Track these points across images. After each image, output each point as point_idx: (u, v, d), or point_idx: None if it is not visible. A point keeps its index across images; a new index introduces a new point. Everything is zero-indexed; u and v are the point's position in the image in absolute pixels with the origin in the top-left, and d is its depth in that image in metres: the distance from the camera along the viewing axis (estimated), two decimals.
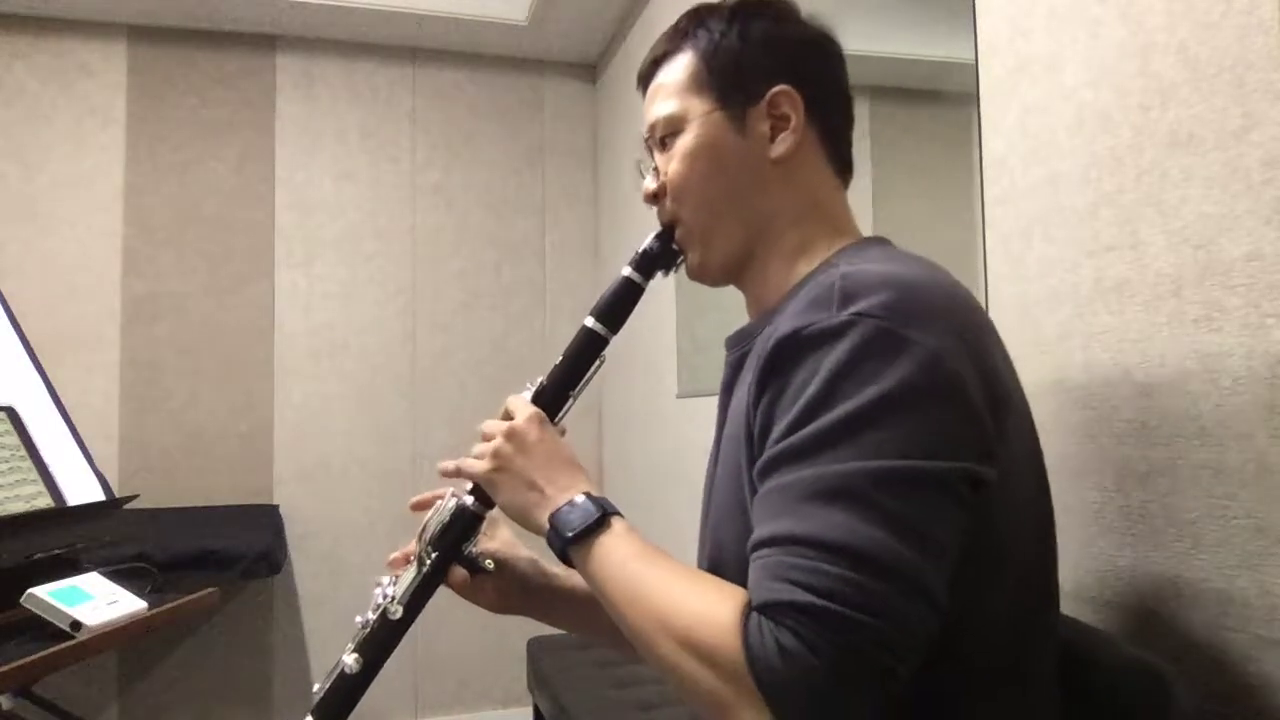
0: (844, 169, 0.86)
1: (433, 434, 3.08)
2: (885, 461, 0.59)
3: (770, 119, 0.81)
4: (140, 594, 1.46)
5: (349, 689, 0.84)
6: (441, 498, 0.89)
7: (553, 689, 1.98)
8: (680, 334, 2.46)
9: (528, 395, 0.87)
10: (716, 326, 2.35)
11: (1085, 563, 0.99)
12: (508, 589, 0.93)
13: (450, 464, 0.86)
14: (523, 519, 0.80)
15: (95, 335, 2.82)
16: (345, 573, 2.92)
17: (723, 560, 0.75)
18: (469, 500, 0.86)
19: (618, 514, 0.75)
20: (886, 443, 0.60)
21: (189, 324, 2.91)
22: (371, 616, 0.86)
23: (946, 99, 1.39)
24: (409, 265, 3.14)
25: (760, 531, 0.63)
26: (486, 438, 0.84)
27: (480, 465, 0.82)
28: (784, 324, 0.67)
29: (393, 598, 0.85)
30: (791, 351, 0.66)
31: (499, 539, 0.94)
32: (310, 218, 3.05)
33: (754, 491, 0.67)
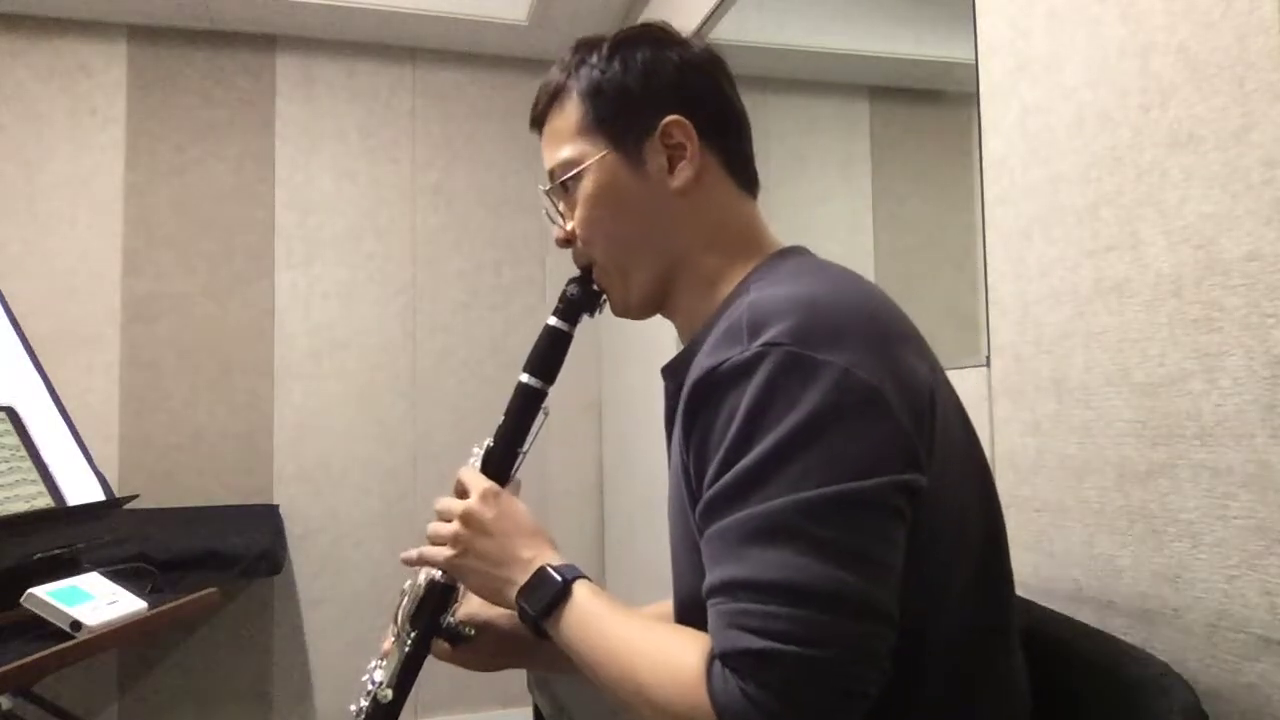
0: (750, 183, 0.86)
1: (433, 434, 3.08)
2: (812, 491, 0.60)
3: (666, 150, 0.81)
4: (140, 594, 1.46)
5: None
6: (386, 653, 0.90)
7: (553, 689, 1.98)
8: (680, 334, 2.46)
9: (476, 462, 0.87)
10: None
11: (1085, 563, 0.99)
12: (494, 649, 0.94)
13: (413, 553, 0.87)
14: (494, 600, 0.82)
15: (95, 335, 2.82)
16: (345, 573, 2.92)
17: (684, 597, 0.77)
18: (438, 574, 0.87)
19: (580, 577, 0.76)
20: (811, 471, 0.60)
21: (189, 324, 2.91)
22: (364, 704, 0.89)
23: (946, 99, 1.39)
24: (409, 265, 3.14)
25: (710, 578, 0.64)
26: (442, 517, 0.84)
27: (442, 554, 0.83)
28: (700, 361, 0.68)
29: (381, 683, 0.88)
30: (709, 390, 0.66)
31: (476, 602, 0.94)
32: (310, 218, 3.05)
33: (701, 532, 0.68)
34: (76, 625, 1.30)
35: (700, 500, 0.67)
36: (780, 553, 0.59)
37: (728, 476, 0.63)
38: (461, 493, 0.85)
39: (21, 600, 1.30)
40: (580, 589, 0.75)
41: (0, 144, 2.77)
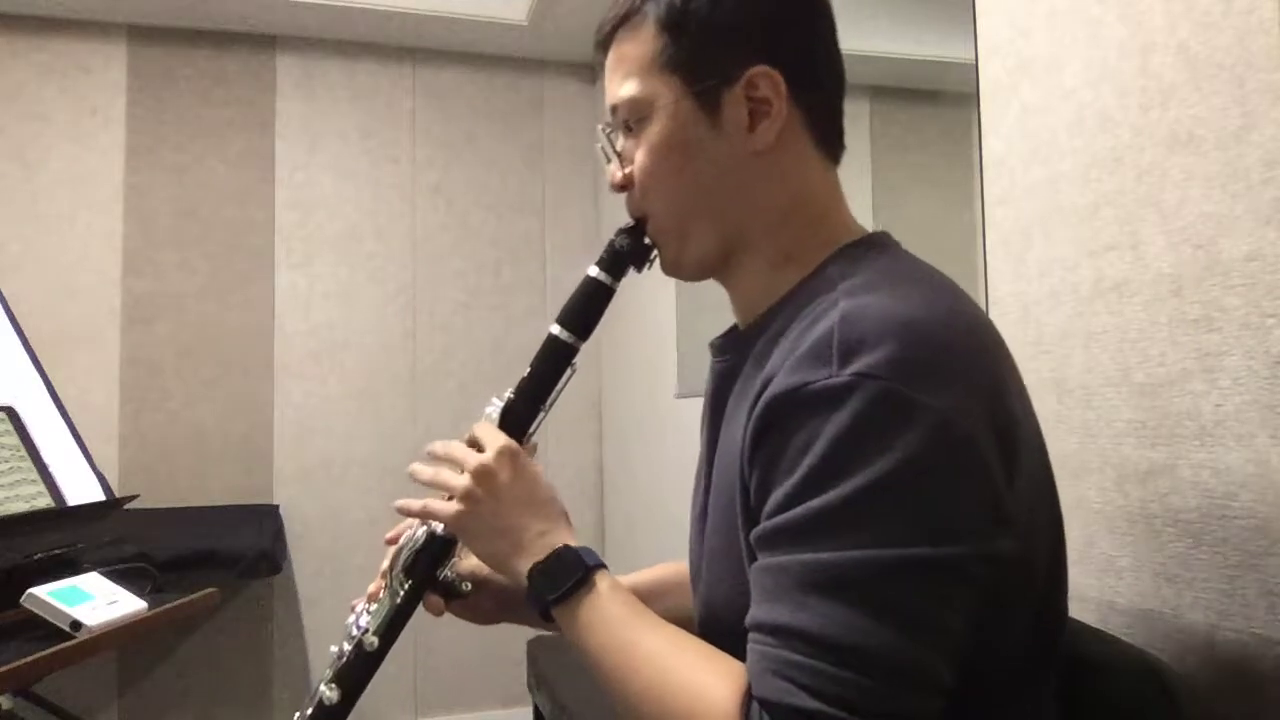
0: (834, 148, 0.77)
1: (433, 434, 3.04)
2: (888, 550, 0.55)
3: (748, 104, 0.71)
4: (140, 594, 1.46)
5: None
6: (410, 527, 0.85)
7: (552, 689, 1.98)
8: (680, 334, 2.46)
9: (495, 412, 0.80)
10: (716, 326, 2.34)
11: (1085, 563, 0.99)
12: (489, 606, 0.90)
13: (415, 504, 0.79)
14: (498, 568, 0.76)
15: (95, 335, 2.82)
16: (345, 573, 2.92)
17: (715, 617, 0.71)
18: (439, 526, 0.80)
19: (601, 566, 0.71)
20: (891, 528, 0.55)
21: (189, 324, 2.91)
22: (347, 647, 0.81)
23: (946, 99, 1.39)
24: (409, 265, 3.14)
25: (758, 613, 0.60)
26: (453, 464, 0.77)
27: (448, 509, 0.76)
28: (781, 377, 0.61)
29: (367, 629, 0.81)
30: (788, 410, 0.60)
31: (475, 557, 0.87)
32: (310, 218, 3.05)
33: (750, 553, 0.63)
34: (76, 625, 1.29)
35: (759, 524, 0.62)
36: (843, 609, 0.55)
37: (797, 511, 0.58)
38: (474, 446, 0.77)
39: (21, 600, 1.30)
40: (602, 581, 0.69)
41: (0, 144, 2.77)
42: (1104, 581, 0.97)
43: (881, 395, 0.56)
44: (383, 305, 3.10)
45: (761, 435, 0.62)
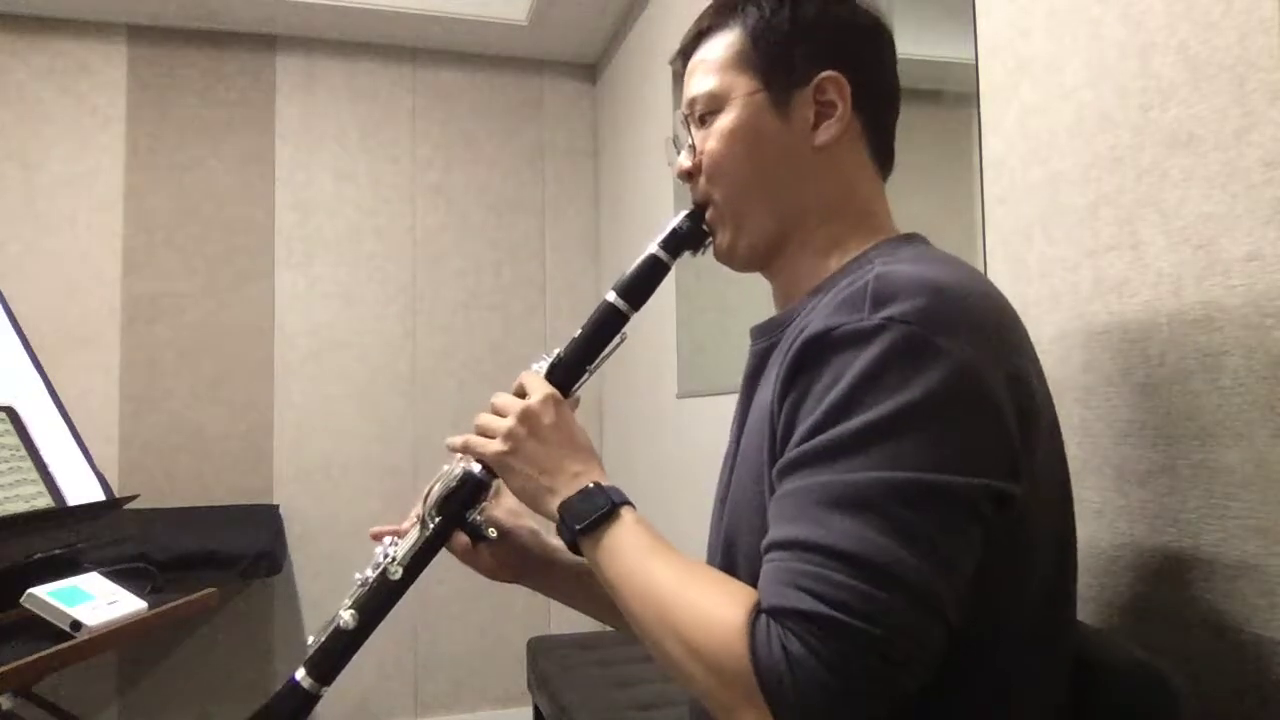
0: (885, 162, 0.84)
1: (433, 434, 3.08)
2: (904, 473, 0.58)
3: (815, 105, 0.78)
4: (140, 594, 1.46)
5: (344, 645, 0.84)
6: (404, 532, 0.88)
7: (552, 689, 1.98)
8: (680, 334, 2.46)
9: (541, 369, 0.85)
10: (716, 327, 2.35)
11: (1085, 563, 0.99)
12: (507, 558, 0.92)
13: (458, 440, 0.84)
14: (532, 504, 0.79)
15: (95, 335, 2.82)
16: (345, 573, 2.88)
17: (734, 554, 0.74)
18: (476, 468, 0.84)
19: (628, 504, 0.74)
20: (908, 454, 0.59)
21: (189, 324, 2.91)
22: (371, 575, 0.85)
23: (946, 99, 1.39)
24: (409, 265, 3.14)
25: (774, 533, 0.62)
26: (498, 411, 0.82)
27: (491, 446, 0.80)
28: (815, 322, 0.66)
29: (393, 558, 0.84)
30: (820, 351, 0.64)
31: (504, 507, 0.93)
32: (310, 218, 3.05)
33: (773, 490, 0.66)
34: (76, 625, 1.29)
35: (782, 457, 0.65)
36: (859, 524, 0.57)
37: (820, 439, 0.61)
38: (521, 394, 0.82)
39: (21, 600, 1.30)
40: (628, 513, 0.73)
41: (0, 144, 2.77)
42: (1104, 581, 0.97)
43: (907, 337, 0.61)
44: (383, 305, 3.10)
45: (794, 376, 0.66)
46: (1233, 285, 0.81)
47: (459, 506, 0.86)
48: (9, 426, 1.59)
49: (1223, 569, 0.82)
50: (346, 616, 0.83)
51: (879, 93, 0.82)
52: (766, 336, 0.81)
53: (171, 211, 2.92)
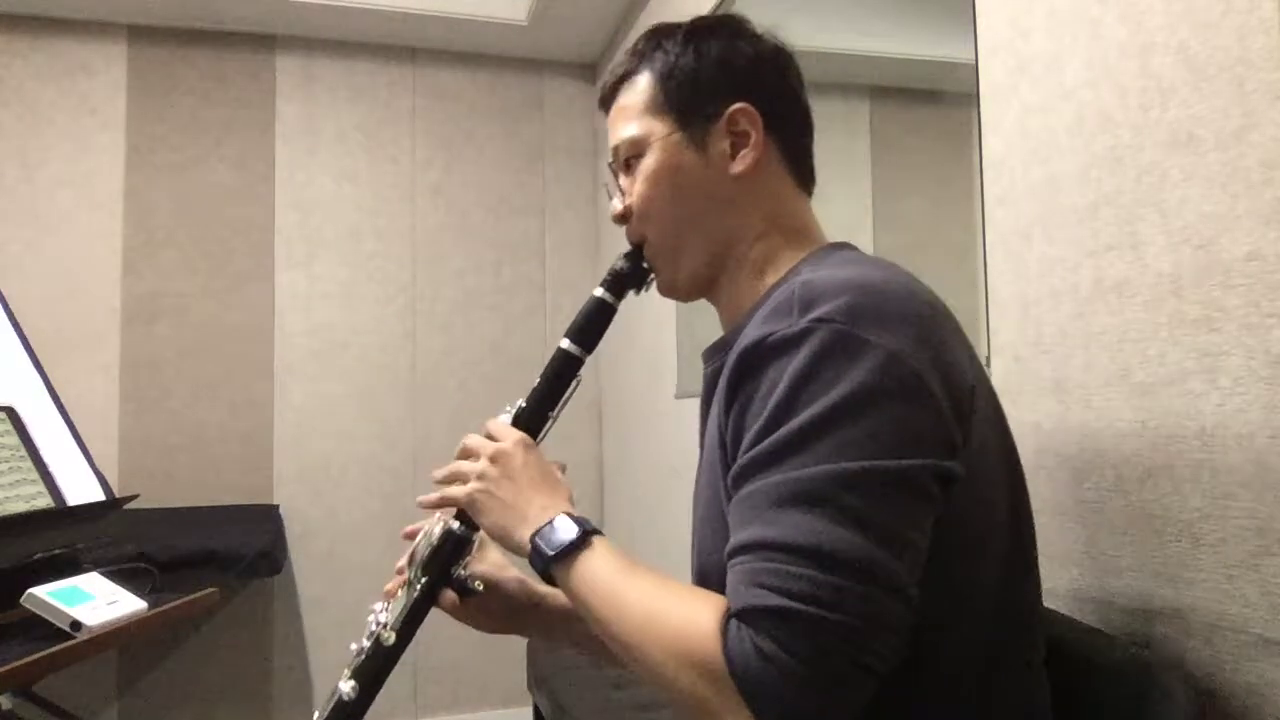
0: (806, 179, 0.88)
1: (433, 434, 3.08)
2: (849, 463, 0.61)
3: (730, 136, 0.82)
4: (140, 594, 1.46)
5: (347, 716, 0.85)
6: (392, 594, 0.90)
7: (552, 689, 1.98)
8: (679, 334, 2.46)
9: (507, 419, 0.88)
10: (716, 327, 2.34)
11: (1085, 563, 0.99)
12: (497, 610, 0.94)
13: (433, 496, 0.87)
14: (504, 539, 0.81)
15: (95, 335, 2.82)
16: (345, 573, 2.92)
17: (706, 568, 0.76)
18: (455, 525, 0.87)
19: (598, 532, 0.76)
20: (850, 444, 0.61)
21: (189, 324, 2.91)
22: (366, 643, 0.87)
23: (946, 99, 1.39)
24: (409, 265, 3.14)
25: (734, 539, 0.64)
26: (468, 453, 0.85)
27: (463, 488, 0.83)
28: (748, 334, 0.69)
29: (385, 624, 0.86)
30: (755, 360, 0.67)
31: (488, 561, 0.95)
32: (310, 218, 3.05)
33: (729, 499, 0.68)
34: (76, 625, 1.30)
35: (734, 467, 0.67)
36: (811, 518, 0.60)
37: (765, 443, 0.64)
38: (490, 439, 0.85)
39: (21, 600, 1.30)
40: (598, 541, 0.75)
41: (0, 144, 2.77)
42: (1104, 581, 0.97)
43: (835, 336, 0.64)
44: (383, 305, 3.10)
45: (734, 388, 0.70)
46: (1233, 285, 0.81)
47: (444, 564, 0.88)
48: (9, 426, 1.59)
49: (1222, 570, 0.82)
50: (347, 688, 0.84)
51: (789, 116, 0.86)
52: (714, 359, 0.84)
53: (171, 211, 2.92)
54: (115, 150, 2.88)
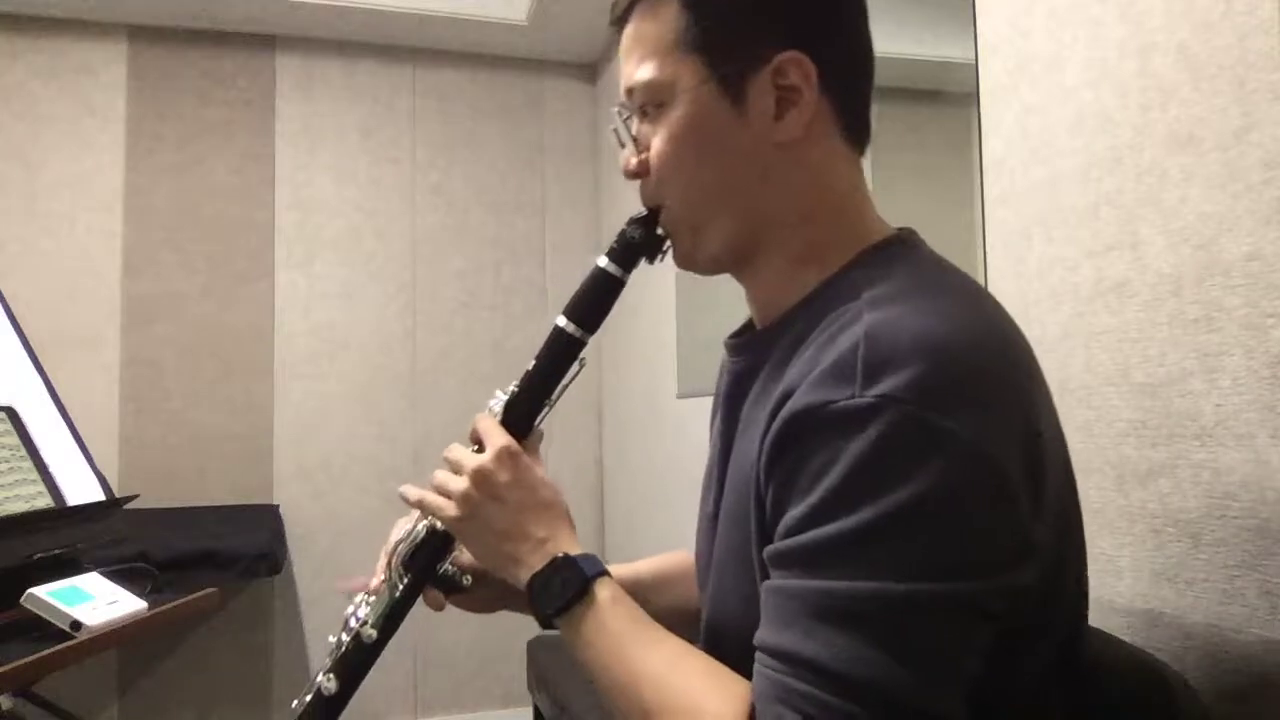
0: (860, 138, 0.72)
1: (433, 434, 3.08)
2: (903, 584, 0.53)
3: (775, 91, 0.67)
4: (140, 594, 1.46)
5: (326, 712, 0.80)
6: (373, 589, 0.84)
7: (552, 689, 1.98)
8: (680, 334, 2.46)
9: (498, 405, 0.79)
10: (716, 326, 2.34)
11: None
12: (490, 596, 0.88)
13: (414, 494, 0.78)
14: (498, 572, 0.75)
15: (95, 335, 2.82)
16: (345, 573, 2.92)
17: (722, 627, 0.71)
18: (439, 524, 0.79)
19: (602, 574, 0.69)
20: (907, 561, 0.53)
21: (189, 324, 2.91)
22: (345, 637, 0.80)
23: (946, 99, 1.39)
24: (409, 265, 3.14)
25: (767, 635, 0.58)
26: (452, 466, 0.76)
27: (447, 511, 0.75)
28: (801, 394, 0.58)
29: (365, 620, 0.80)
30: (809, 428, 0.57)
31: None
32: (310, 218, 3.05)
33: (763, 569, 0.62)
34: (76, 625, 1.29)
35: (772, 541, 0.60)
36: (853, 641, 0.53)
37: (811, 535, 0.56)
38: (476, 442, 0.76)
39: (21, 600, 1.30)
40: (602, 591, 0.68)
41: (0, 144, 2.77)
42: (1104, 581, 0.97)
43: (905, 420, 0.54)
44: (383, 305, 3.10)
45: (779, 451, 0.60)
46: (1233, 285, 0.81)
47: (426, 562, 0.81)
48: (9, 426, 1.59)
49: (1223, 569, 0.82)
50: (326, 682, 0.79)
51: (850, 65, 0.70)
52: (745, 355, 0.74)
53: (171, 211, 2.92)
54: (115, 150, 2.88)
